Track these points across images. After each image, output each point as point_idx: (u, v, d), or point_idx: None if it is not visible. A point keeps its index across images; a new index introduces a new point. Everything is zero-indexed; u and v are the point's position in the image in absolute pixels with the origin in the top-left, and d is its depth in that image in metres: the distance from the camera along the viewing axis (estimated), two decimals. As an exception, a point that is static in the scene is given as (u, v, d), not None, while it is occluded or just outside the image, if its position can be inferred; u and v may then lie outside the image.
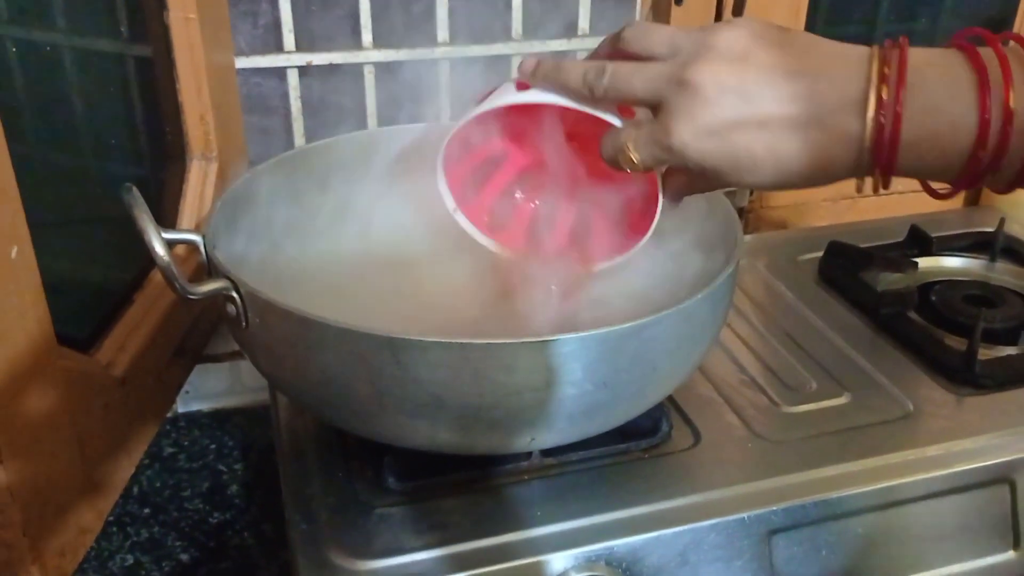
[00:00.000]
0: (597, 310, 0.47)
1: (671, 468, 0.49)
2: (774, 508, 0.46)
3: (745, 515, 0.46)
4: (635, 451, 0.50)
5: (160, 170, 0.61)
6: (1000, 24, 0.88)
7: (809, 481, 0.48)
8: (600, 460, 0.49)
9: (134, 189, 0.38)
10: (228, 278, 0.41)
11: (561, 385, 0.39)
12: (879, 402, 0.55)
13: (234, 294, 0.40)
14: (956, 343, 0.59)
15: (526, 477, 0.48)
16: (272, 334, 0.41)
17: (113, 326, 0.50)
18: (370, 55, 0.71)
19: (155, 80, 0.59)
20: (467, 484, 0.47)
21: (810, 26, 0.79)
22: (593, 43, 0.77)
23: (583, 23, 0.76)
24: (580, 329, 0.38)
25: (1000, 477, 0.51)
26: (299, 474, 0.49)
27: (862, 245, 0.70)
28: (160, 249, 0.37)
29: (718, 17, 0.76)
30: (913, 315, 0.63)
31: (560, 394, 0.40)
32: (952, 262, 0.70)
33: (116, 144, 0.60)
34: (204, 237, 0.44)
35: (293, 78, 0.70)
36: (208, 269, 0.44)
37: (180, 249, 0.57)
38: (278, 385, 0.46)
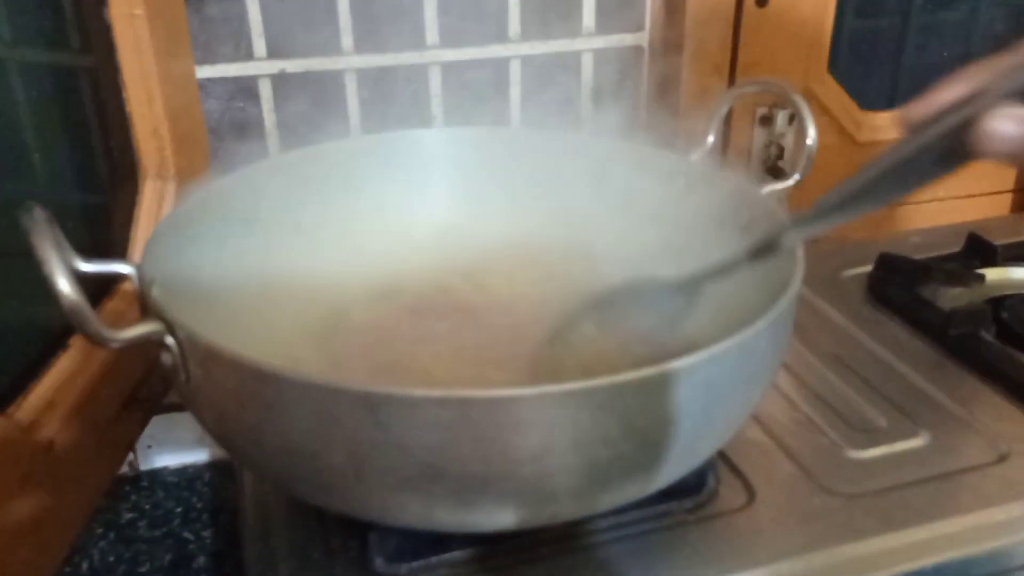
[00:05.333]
0: (630, 349, 0.38)
1: (722, 532, 0.41)
2: (854, 584, 0.38)
3: (819, 594, 0.37)
4: (678, 512, 0.41)
5: (111, 194, 0.53)
6: (1042, 15, 0.80)
7: (893, 548, 0.39)
8: (636, 526, 0.40)
9: (36, 210, 0.30)
10: (162, 319, 0.32)
11: (590, 445, 0.30)
12: (964, 442, 0.46)
13: (169, 339, 0.32)
14: (1044, 368, 0.50)
15: (544, 552, 0.39)
16: (218, 389, 0.32)
17: (38, 379, 0.42)
18: (351, 60, 0.64)
19: (100, 90, 0.51)
20: (472, 563, 0.38)
21: (839, 18, 0.71)
22: (603, 42, 0.71)
23: (588, 21, 0.68)
24: (613, 372, 0.29)
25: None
26: (267, 554, 0.40)
27: (915, 257, 0.61)
28: (64, 283, 0.28)
29: (738, 9, 0.68)
30: (988, 336, 0.54)
31: (589, 457, 0.31)
32: (1022, 273, 0.62)
33: (62, 167, 0.52)
34: (138, 268, 0.36)
35: (266, 89, 0.63)
36: (142, 307, 0.35)
37: (129, 284, 0.48)
38: (231, 452, 0.38)
